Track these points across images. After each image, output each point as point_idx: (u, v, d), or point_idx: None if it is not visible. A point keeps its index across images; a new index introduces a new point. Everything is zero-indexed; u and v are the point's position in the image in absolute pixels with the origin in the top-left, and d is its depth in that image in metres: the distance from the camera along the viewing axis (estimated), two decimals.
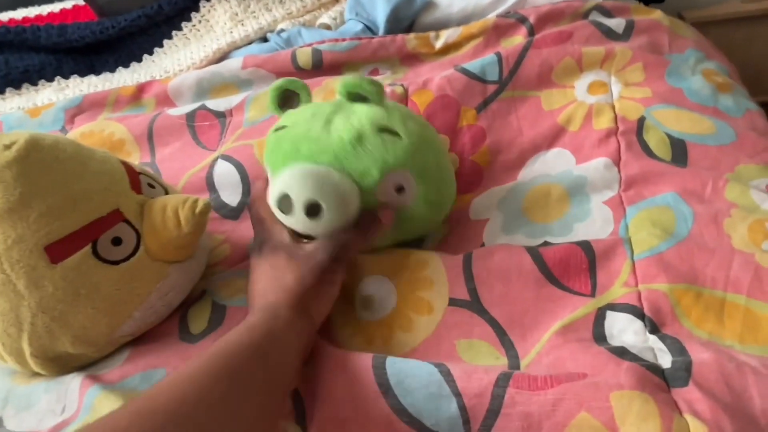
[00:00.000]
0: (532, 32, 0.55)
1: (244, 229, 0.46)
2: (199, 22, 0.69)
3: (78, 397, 0.34)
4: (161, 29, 0.69)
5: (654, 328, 0.31)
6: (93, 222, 0.35)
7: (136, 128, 0.56)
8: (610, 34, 0.52)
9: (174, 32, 0.70)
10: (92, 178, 0.36)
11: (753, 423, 0.24)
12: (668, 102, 0.45)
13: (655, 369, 0.28)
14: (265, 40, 0.67)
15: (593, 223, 0.38)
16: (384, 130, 0.34)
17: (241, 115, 0.54)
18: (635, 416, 0.25)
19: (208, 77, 0.60)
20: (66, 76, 0.67)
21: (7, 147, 0.33)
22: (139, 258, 0.36)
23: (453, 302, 0.35)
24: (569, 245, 0.36)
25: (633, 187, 0.40)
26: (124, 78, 0.66)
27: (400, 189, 0.36)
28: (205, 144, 0.54)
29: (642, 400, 0.25)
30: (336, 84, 0.41)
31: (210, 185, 0.49)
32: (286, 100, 0.39)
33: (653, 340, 0.30)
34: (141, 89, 0.61)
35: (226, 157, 0.50)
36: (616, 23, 0.53)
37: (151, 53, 0.69)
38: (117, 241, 0.36)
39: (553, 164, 0.44)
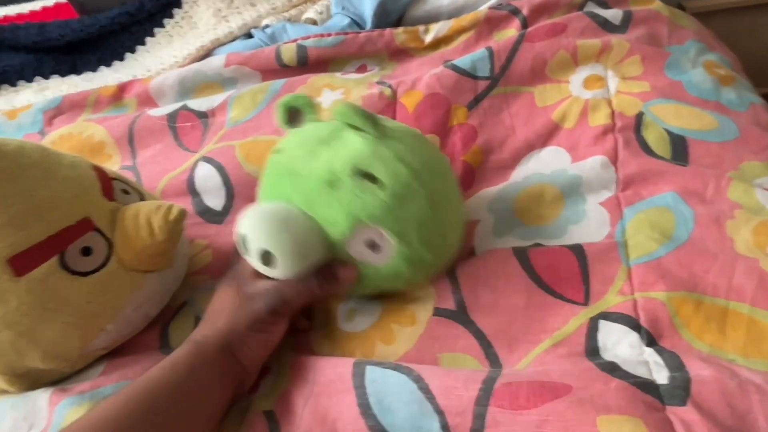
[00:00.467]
0: (525, 24, 0.53)
1: (228, 234, 0.44)
2: (182, 18, 0.67)
3: (47, 413, 0.32)
4: (144, 26, 0.68)
5: (651, 341, 0.29)
6: (60, 231, 0.33)
7: (116, 130, 0.54)
8: (606, 25, 0.50)
9: (157, 29, 0.68)
10: (59, 185, 0.34)
11: None
12: (668, 96, 0.43)
13: (647, 386, 0.26)
14: (249, 36, 0.65)
15: (588, 225, 0.37)
16: (364, 175, 0.30)
17: (224, 115, 0.53)
18: None
19: (191, 76, 0.58)
20: (46, 76, 0.65)
21: None
22: (111, 268, 0.35)
23: (438, 312, 0.33)
24: (559, 248, 0.34)
25: (631, 186, 0.38)
26: (106, 77, 0.64)
27: (372, 246, 0.31)
28: (187, 146, 0.52)
29: (632, 424, 0.24)
30: (333, 104, 0.39)
31: (191, 189, 0.47)
32: (295, 114, 0.36)
33: (649, 353, 0.28)
34: (122, 89, 0.60)
35: (208, 159, 0.48)
36: (613, 14, 0.50)
37: (133, 51, 0.67)
38: (87, 251, 0.34)
39: (548, 163, 0.42)
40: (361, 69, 0.56)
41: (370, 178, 0.30)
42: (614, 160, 0.40)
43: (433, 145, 0.37)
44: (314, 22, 0.64)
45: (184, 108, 0.54)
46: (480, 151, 0.45)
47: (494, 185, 0.42)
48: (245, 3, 0.65)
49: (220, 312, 0.32)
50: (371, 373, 0.29)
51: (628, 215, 0.36)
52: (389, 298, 0.35)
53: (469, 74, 0.48)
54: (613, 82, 0.45)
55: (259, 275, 0.32)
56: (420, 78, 0.49)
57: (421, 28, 0.56)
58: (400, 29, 0.56)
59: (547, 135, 0.44)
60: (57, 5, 0.75)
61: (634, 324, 0.30)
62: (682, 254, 0.32)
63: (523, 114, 0.46)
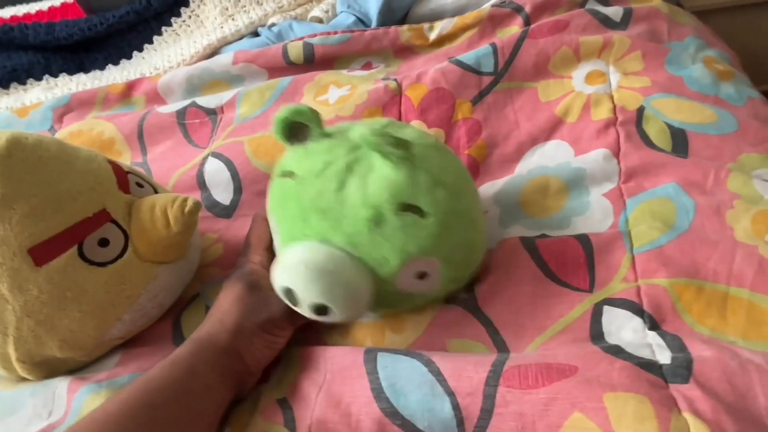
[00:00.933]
0: (527, 22, 0.54)
1: (237, 228, 0.45)
2: (189, 17, 0.68)
3: (66, 401, 0.33)
4: (150, 25, 0.68)
5: (653, 325, 0.30)
6: (78, 223, 0.34)
7: (126, 127, 0.55)
8: (607, 22, 0.51)
9: (164, 28, 0.68)
10: (77, 177, 0.35)
11: (757, 423, 0.24)
12: (668, 91, 0.44)
13: (650, 366, 0.27)
14: (256, 34, 0.66)
15: (592, 216, 0.38)
16: (407, 208, 0.28)
17: (233, 111, 0.54)
18: (631, 418, 0.24)
19: (199, 73, 0.59)
20: (55, 75, 0.66)
21: None
22: (128, 259, 0.35)
23: (447, 300, 0.34)
24: (566, 238, 0.35)
25: (633, 178, 0.39)
26: (114, 75, 0.65)
27: (422, 275, 0.30)
28: (197, 142, 0.53)
29: (636, 401, 0.24)
30: (354, 124, 0.33)
31: (201, 183, 0.48)
32: (297, 129, 0.32)
33: (652, 336, 0.29)
34: (130, 87, 0.60)
35: (217, 155, 0.49)
36: (614, 11, 0.52)
37: (140, 50, 0.68)
38: (104, 242, 0.35)
39: (551, 156, 0.43)
40: (367, 66, 0.57)
41: (414, 209, 0.29)
42: (616, 152, 0.41)
43: (450, 151, 0.35)
44: (320, 21, 0.65)
45: (193, 105, 0.55)
46: (484, 145, 0.46)
47: (498, 179, 0.43)
48: (252, 1, 0.65)
49: (228, 311, 0.32)
50: (383, 359, 0.30)
51: (630, 206, 0.37)
52: None
53: (473, 70, 0.49)
54: (614, 77, 0.46)
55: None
56: (425, 72, 0.49)
57: (426, 25, 0.57)
58: (405, 27, 0.57)
59: (551, 129, 0.45)
60: (64, 5, 0.76)
61: (637, 309, 0.30)
62: (683, 242, 0.33)
63: (527, 109, 0.47)
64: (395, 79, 0.50)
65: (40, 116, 0.60)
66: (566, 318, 0.31)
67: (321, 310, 0.29)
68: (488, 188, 0.42)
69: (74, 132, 0.56)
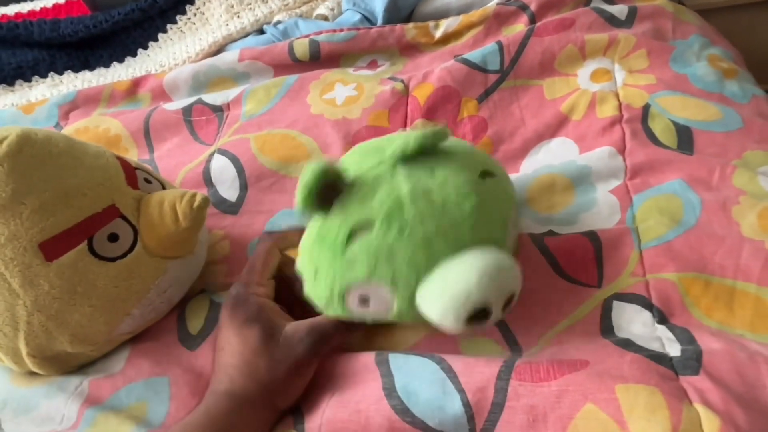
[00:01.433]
0: (533, 20, 0.54)
1: (243, 225, 0.45)
2: (194, 14, 0.68)
3: (77, 413, 0.34)
4: (156, 23, 0.68)
5: (662, 319, 0.30)
6: (88, 218, 0.34)
7: (132, 124, 0.55)
8: (612, 20, 0.51)
9: (169, 25, 0.68)
10: (86, 173, 0.35)
11: (767, 414, 0.24)
12: (673, 89, 0.44)
13: (661, 358, 0.27)
14: (261, 32, 0.66)
15: (599, 212, 0.38)
16: (485, 174, 0.30)
17: (239, 108, 0.54)
18: (643, 408, 0.24)
19: (204, 70, 0.59)
20: (60, 72, 0.66)
21: None
22: (137, 254, 0.35)
23: None
24: (575, 235, 0.35)
25: (639, 175, 0.39)
26: (119, 73, 0.65)
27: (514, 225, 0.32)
28: (203, 139, 0.53)
29: (648, 392, 0.25)
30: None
31: (207, 180, 0.48)
32: (326, 193, 0.28)
33: (662, 330, 0.29)
34: (136, 84, 0.61)
35: (223, 152, 0.49)
36: (619, 10, 0.52)
37: (146, 47, 0.68)
38: (113, 238, 0.35)
39: (557, 154, 0.43)
40: (372, 64, 0.57)
41: (489, 174, 0.32)
42: (622, 150, 0.41)
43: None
44: (325, 18, 0.65)
45: (199, 102, 0.55)
46: (490, 142, 0.46)
47: None
48: None
49: (254, 363, 0.30)
50: (395, 359, 0.30)
51: (637, 202, 0.37)
52: None
53: (479, 67, 0.49)
54: (619, 75, 0.47)
55: (284, 316, 0.32)
56: (431, 71, 0.50)
57: (431, 23, 0.57)
58: (411, 25, 0.57)
59: (556, 126, 0.45)
60: (69, 2, 0.76)
61: (646, 303, 0.31)
62: (690, 238, 0.33)
63: (533, 106, 0.47)
64: (402, 80, 0.50)
65: (46, 113, 0.60)
66: (576, 313, 0.32)
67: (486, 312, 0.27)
68: None
69: (80, 129, 0.56)
